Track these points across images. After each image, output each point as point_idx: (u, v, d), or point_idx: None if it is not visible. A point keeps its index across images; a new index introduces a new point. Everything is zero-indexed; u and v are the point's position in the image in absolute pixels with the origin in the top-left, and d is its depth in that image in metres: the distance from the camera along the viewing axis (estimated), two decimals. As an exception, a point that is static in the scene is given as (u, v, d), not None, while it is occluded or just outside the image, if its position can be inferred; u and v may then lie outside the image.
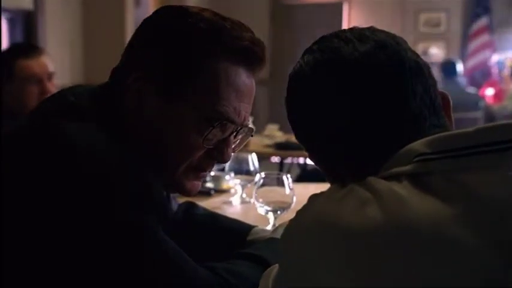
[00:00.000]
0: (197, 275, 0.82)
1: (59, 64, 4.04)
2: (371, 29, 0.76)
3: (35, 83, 2.21)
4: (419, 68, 0.73)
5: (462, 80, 5.38)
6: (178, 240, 0.86)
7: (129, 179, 0.79)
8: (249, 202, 1.78)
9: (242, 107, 0.90)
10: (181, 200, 1.25)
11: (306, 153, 0.81)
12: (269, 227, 1.41)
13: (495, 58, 6.79)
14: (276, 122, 4.25)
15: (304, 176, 3.63)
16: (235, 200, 1.86)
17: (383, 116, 0.71)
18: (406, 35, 6.93)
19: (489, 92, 6.41)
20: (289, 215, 1.22)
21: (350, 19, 7.29)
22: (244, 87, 0.90)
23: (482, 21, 6.82)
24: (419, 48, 7.03)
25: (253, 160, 1.83)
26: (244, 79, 0.90)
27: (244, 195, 1.84)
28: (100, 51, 4.76)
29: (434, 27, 7.14)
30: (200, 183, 0.94)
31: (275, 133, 3.89)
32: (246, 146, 3.49)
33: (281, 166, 3.78)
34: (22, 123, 0.88)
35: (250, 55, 0.89)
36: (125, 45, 0.93)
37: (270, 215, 1.46)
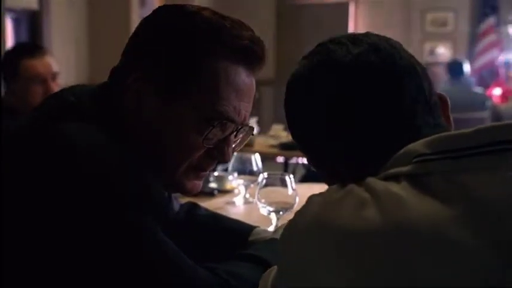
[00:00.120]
0: (197, 275, 0.82)
1: (64, 64, 4.06)
2: (366, 34, 0.77)
3: (39, 82, 2.22)
4: (413, 68, 0.73)
5: (470, 80, 5.36)
6: (180, 240, 0.86)
7: (129, 179, 0.79)
8: (252, 202, 1.77)
9: (242, 106, 0.90)
10: (184, 200, 1.25)
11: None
12: (271, 228, 1.40)
13: (502, 58, 6.76)
14: (281, 122, 4.23)
15: (309, 176, 3.62)
16: (239, 201, 1.85)
17: (377, 114, 0.71)
18: (412, 34, 6.96)
19: (496, 91, 6.38)
20: (292, 215, 1.21)
21: (356, 19, 7.27)
22: (244, 86, 0.89)
23: (490, 20, 6.78)
24: (425, 48, 7.01)
25: (256, 160, 1.83)
26: (244, 78, 0.89)
27: (247, 196, 1.84)
28: (105, 50, 4.76)
29: (441, 26, 7.11)
30: (201, 182, 0.94)
31: (280, 133, 3.88)
32: (250, 146, 3.52)
33: (286, 166, 3.77)
34: (22, 123, 0.88)
35: (250, 54, 0.89)
36: (130, 45, 0.93)
37: (273, 216, 1.46)
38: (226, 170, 1.95)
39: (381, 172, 0.68)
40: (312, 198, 0.70)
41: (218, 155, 0.91)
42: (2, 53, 2.56)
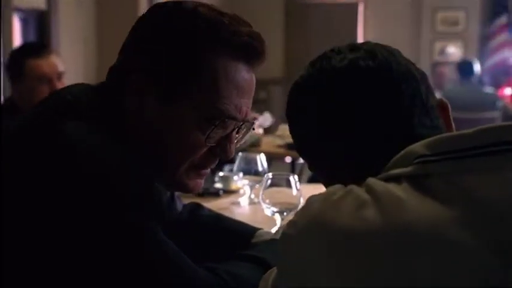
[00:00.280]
0: (197, 275, 0.82)
1: (72, 64, 4.07)
2: (365, 42, 0.79)
3: (44, 82, 2.23)
4: (410, 73, 0.75)
5: (480, 80, 5.33)
6: (183, 240, 0.87)
7: (130, 179, 0.79)
8: (258, 203, 1.77)
9: (243, 102, 0.90)
10: (187, 200, 1.25)
11: None
12: (275, 229, 1.39)
13: (514, 57, 6.72)
14: (289, 122, 4.21)
15: (316, 176, 3.59)
16: (244, 201, 1.85)
17: (375, 117, 0.73)
18: (423, 34, 6.93)
19: (508, 91, 6.33)
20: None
21: (366, 18, 7.24)
22: (244, 83, 0.89)
23: (501, 20, 6.74)
24: (436, 48, 6.98)
25: (261, 160, 1.82)
26: (244, 74, 0.89)
27: (252, 196, 1.84)
28: (113, 50, 4.75)
29: (452, 26, 7.08)
30: (202, 181, 0.94)
31: (287, 133, 3.84)
32: (257, 146, 3.48)
33: (293, 167, 3.76)
34: (21, 122, 0.88)
35: (249, 50, 0.88)
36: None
37: (277, 216, 1.45)
38: (231, 170, 1.94)
39: (382, 173, 0.68)
40: (311, 199, 0.70)
41: (220, 153, 0.91)
42: (7, 53, 2.57)
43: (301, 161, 4.03)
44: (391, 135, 0.72)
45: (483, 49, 6.92)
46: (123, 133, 0.86)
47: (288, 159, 3.82)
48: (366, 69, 0.73)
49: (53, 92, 0.93)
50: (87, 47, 4.92)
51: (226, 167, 2.58)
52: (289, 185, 1.44)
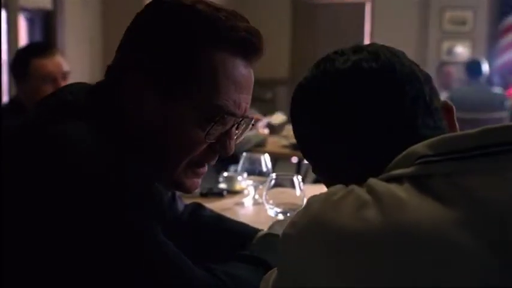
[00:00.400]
0: (196, 276, 0.83)
1: (78, 63, 4.08)
2: (370, 44, 0.79)
3: (49, 82, 2.24)
4: (413, 74, 0.75)
5: (490, 80, 5.30)
6: (183, 241, 0.87)
7: (129, 179, 0.79)
8: (262, 203, 1.77)
9: (242, 98, 0.89)
10: (189, 200, 1.24)
11: None
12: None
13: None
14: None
15: (322, 177, 3.58)
16: (248, 202, 1.85)
17: (378, 118, 0.73)
18: (430, 33, 6.90)
19: (516, 91, 6.30)
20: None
21: (373, 18, 7.22)
22: (243, 79, 0.89)
23: (510, 19, 6.70)
24: (444, 47, 6.95)
25: (266, 161, 1.82)
26: (242, 70, 0.89)
27: (256, 197, 1.83)
28: (119, 50, 4.78)
29: (460, 25, 7.05)
30: (199, 180, 0.94)
31: (292, 133, 3.83)
32: (263, 146, 3.47)
33: (299, 167, 3.74)
34: (21, 123, 0.88)
35: (247, 45, 0.88)
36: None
37: (280, 217, 1.44)
38: (236, 170, 1.94)
39: (383, 173, 0.68)
40: (312, 199, 0.70)
41: (220, 149, 0.91)
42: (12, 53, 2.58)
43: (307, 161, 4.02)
44: (394, 137, 0.72)
45: (491, 49, 6.89)
46: (122, 132, 0.86)
47: (294, 159, 3.81)
48: (369, 71, 0.73)
49: (54, 92, 0.93)
50: (93, 46, 4.93)
51: (232, 168, 2.58)
52: (293, 185, 1.44)
